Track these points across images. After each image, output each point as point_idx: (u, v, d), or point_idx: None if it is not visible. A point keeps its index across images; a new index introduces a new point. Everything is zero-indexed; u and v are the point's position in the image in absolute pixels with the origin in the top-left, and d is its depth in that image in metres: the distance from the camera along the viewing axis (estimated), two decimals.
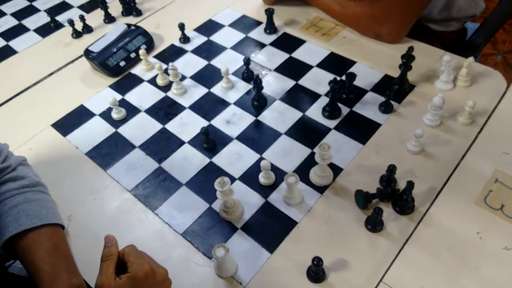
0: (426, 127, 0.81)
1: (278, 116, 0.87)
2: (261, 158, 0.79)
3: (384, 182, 0.72)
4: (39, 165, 0.78)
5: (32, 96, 0.98)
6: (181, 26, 1.04)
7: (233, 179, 0.77)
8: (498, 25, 1.11)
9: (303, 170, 0.76)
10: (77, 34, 1.12)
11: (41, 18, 1.21)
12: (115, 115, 0.89)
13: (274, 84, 0.93)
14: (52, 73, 1.03)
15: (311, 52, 1.00)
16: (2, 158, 0.69)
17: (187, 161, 0.80)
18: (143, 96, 0.94)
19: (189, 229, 0.71)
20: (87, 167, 0.82)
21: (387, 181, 0.72)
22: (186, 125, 0.87)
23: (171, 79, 0.93)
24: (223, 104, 0.91)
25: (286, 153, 0.80)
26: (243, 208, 0.72)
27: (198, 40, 1.07)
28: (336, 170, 0.76)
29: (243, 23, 1.11)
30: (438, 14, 1.04)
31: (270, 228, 0.70)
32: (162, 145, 0.84)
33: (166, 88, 0.96)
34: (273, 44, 1.03)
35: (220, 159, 0.80)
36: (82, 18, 1.12)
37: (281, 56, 1.00)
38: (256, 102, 0.89)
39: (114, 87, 0.98)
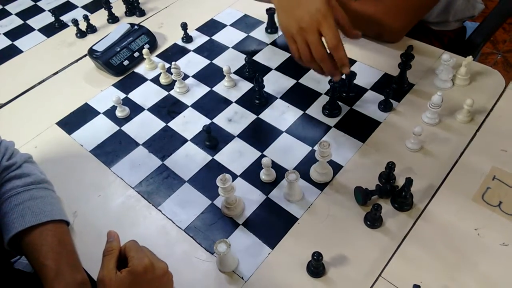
0: (425, 125, 0.82)
1: (279, 114, 0.88)
2: (262, 156, 0.80)
3: (383, 179, 0.73)
4: (45, 163, 0.79)
5: (37, 95, 1.00)
6: (184, 26, 1.05)
7: (234, 176, 0.78)
8: (498, 24, 1.12)
9: (304, 168, 0.77)
10: (81, 34, 1.14)
11: (46, 18, 1.22)
12: (119, 113, 0.91)
13: (275, 83, 0.94)
14: (56, 72, 1.05)
15: None
16: (8, 155, 0.70)
17: (189, 159, 0.82)
18: (147, 94, 0.95)
19: (191, 225, 0.72)
20: (92, 164, 0.83)
21: (386, 178, 0.73)
22: (189, 123, 0.88)
23: (173, 78, 0.94)
24: (225, 102, 0.92)
25: (287, 150, 0.81)
26: (245, 205, 0.73)
27: (200, 39, 1.08)
28: (336, 167, 0.77)
29: (245, 23, 1.12)
30: (435, 18, 1.05)
31: (271, 224, 0.71)
32: (165, 142, 0.85)
33: (169, 86, 0.97)
34: (274, 43, 1.04)
35: (222, 157, 0.81)
36: (86, 18, 1.13)
37: (282, 55, 1.01)
38: (258, 100, 0.90)
39: (118, 85, 0.99)
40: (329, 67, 0.70)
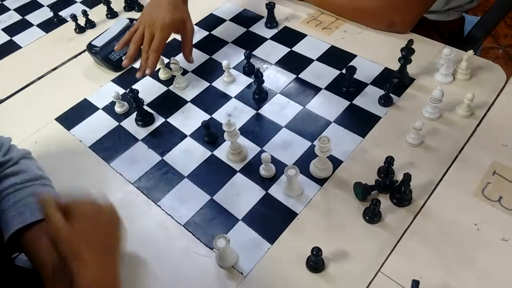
0: (426, 120, 0.81)
1: (279, 109, 0.87)
2: (262, 151, 0.80)
3: (382, 174, 0.73)
4: (44, 158, 0.79)
5: (36, 91, 0.99)
6: None
7: (234, 172, 0.78)
8: (499, 18, 1.11)
9: (303, 163, 0.77)
10: (80, 29, 1.13)
11: (45, 13, 1.21)
12: (118, 109, 0.91)
13: (275, 78, 0.94)
14: (55, 68, 1.04)
15: (312, 46, 1.00)
16: (3, 152, 0.70)
17: (189, 154, 0.81)
18: (146, 90, 0.95)
19: (191, 221, 0.72)
20: (91, 160, 0.83)
21: (385, 172, 0.72)
22: (188, 119, 0.88)
23: (173, 74, 0.93)
24: (224, 97, 0.91)
25: (287, 146, 0.81)
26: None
27: (199, 34, 1.08)
28: (335, 162, 0.77)
29: (244, 17, 1.11)
30: (436, 6, 1.04)
31: (271, 219, 0.71)
32: (165, 138, 0.85)
33: (168, 82, 0.97)
34: (274, 38, 1.04)
35: (221, 152, 0.81)
36: (85, 13, 1.13)
37: (282, 50, 1.00)
38: (257, 95, 0.89)
39: (117, 81, 0.99)
40: (144, 59, 0.90)
